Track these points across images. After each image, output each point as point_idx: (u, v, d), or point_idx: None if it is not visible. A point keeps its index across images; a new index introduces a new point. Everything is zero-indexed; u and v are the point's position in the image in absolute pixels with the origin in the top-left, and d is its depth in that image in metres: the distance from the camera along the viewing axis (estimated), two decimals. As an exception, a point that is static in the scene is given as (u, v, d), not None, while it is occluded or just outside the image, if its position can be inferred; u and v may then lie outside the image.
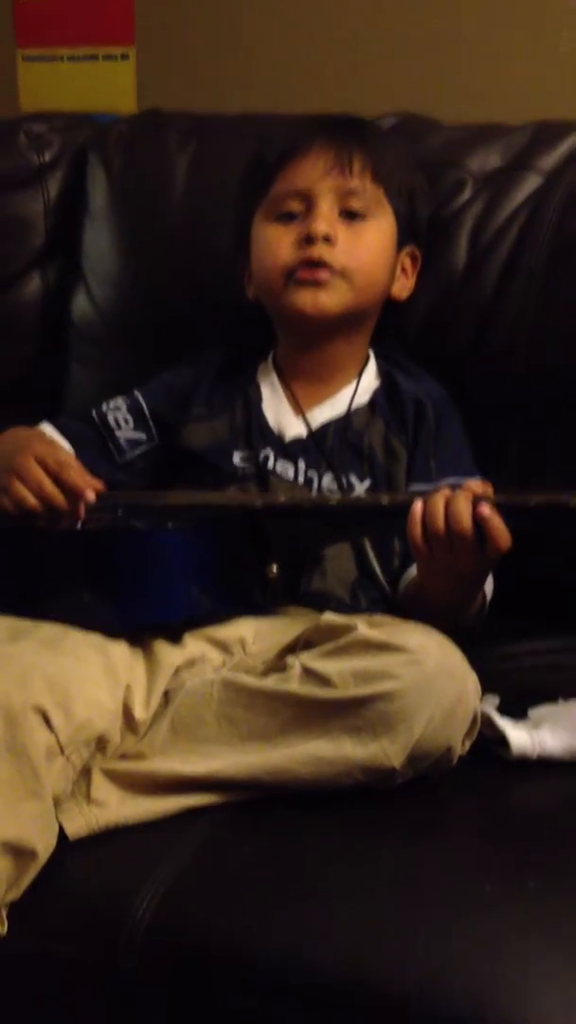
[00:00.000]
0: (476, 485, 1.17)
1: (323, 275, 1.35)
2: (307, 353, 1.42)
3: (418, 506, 1.16)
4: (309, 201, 1.38)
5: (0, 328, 1.73)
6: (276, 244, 1.38)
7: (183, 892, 1.01)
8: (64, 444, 1.39)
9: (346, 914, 0.97)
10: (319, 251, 1.35)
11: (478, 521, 1.14)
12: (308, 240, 1.36)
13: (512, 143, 1.52)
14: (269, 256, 1.39)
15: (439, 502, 1.15)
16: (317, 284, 1.36)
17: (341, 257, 1.36)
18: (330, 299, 1.36)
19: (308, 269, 1.36)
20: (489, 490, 1.17)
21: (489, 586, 1.30)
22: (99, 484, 1.26)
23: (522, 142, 1.51)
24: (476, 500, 1.14)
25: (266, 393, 1.43)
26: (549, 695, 1.22)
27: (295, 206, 1.38)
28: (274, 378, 1.44)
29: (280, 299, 1.39)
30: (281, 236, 1.38)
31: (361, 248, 1.37)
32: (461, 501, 1.14)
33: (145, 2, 2.15)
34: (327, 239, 1.35)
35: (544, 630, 1.41)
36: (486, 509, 1.13)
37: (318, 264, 1.35)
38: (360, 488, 1.35)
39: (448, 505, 1.15)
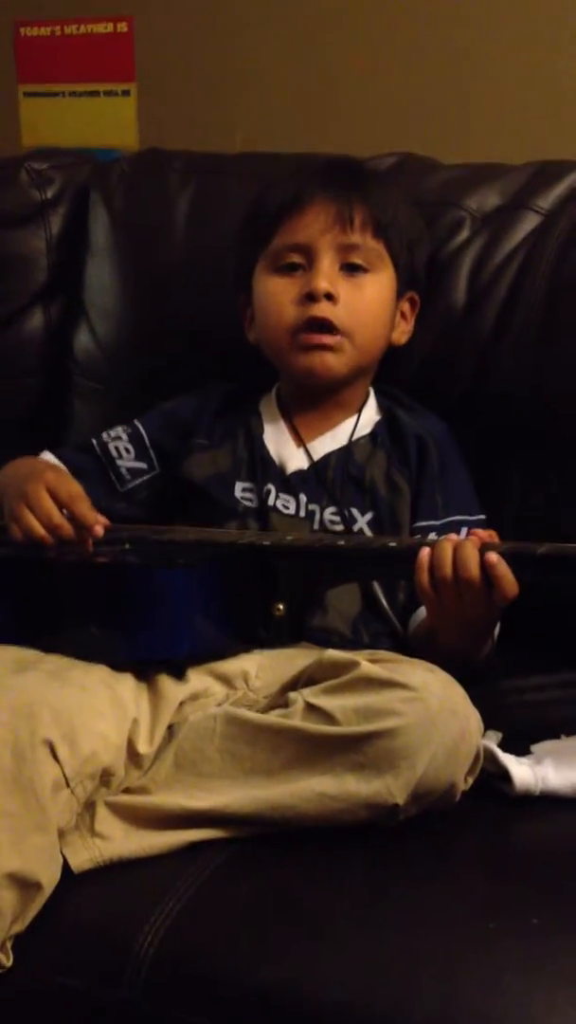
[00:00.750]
0: (483, 533, 1.18)
1: (328, 340, 1.37)
2: (310, 395, 1.43)
3: (425, 553, 1.17)
4: (310, 255, 1.39)
5: (2, 363, 1.74)
6: (279, 300, 1.39)
7: (187, 926, 1.01)
8: None
9: (349, 951, 0.97)
10: (321, 310, 1.36)
11: (485, 569, 1.14)
12: (310, 297, 1.37)
13: (511, 182, 1.53)
14: (273, 312, 1.40)
15: (447, 549, 1.16)
16: (324, 348, 1.37)
17: (343, 315, 1.37)
18: (337, 361, 1.38)
19: (314, 334, 1.37)
20: (495, 538, 1.18)
21: (495, 628, 1.31)
22: (106, 520, 1.27)
23: (521, 181, 1.53)
24: (483, 548, 1.15)
25: (268, 426, 1.44)
26: (552, 731, 1.22)
27: (297, 259, 1.39)
28: (276, 411, 1.45)
29: (286, 359, 1.41)
30: (284, 291, 1.39)
31: (363, 305, 1.38)
32: (468, 548, 1.15)
33: (146, 38, 2.16)
34: (329, 296, 1.37)
35: (547, 665, 1.41)
36: (493, 556, 1.14)
37: (322, 326, 1.36)
38: (362, 521, 1.36)
39: (455, 552, 1.16)
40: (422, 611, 1.31)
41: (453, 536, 1.18)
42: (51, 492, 1.25)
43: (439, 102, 1.89)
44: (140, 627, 1.18)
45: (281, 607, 1.24)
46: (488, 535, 1.18)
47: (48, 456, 1.43)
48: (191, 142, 1.79)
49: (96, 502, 1.36)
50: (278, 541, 1.27)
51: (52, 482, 1.26)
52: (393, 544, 1.26)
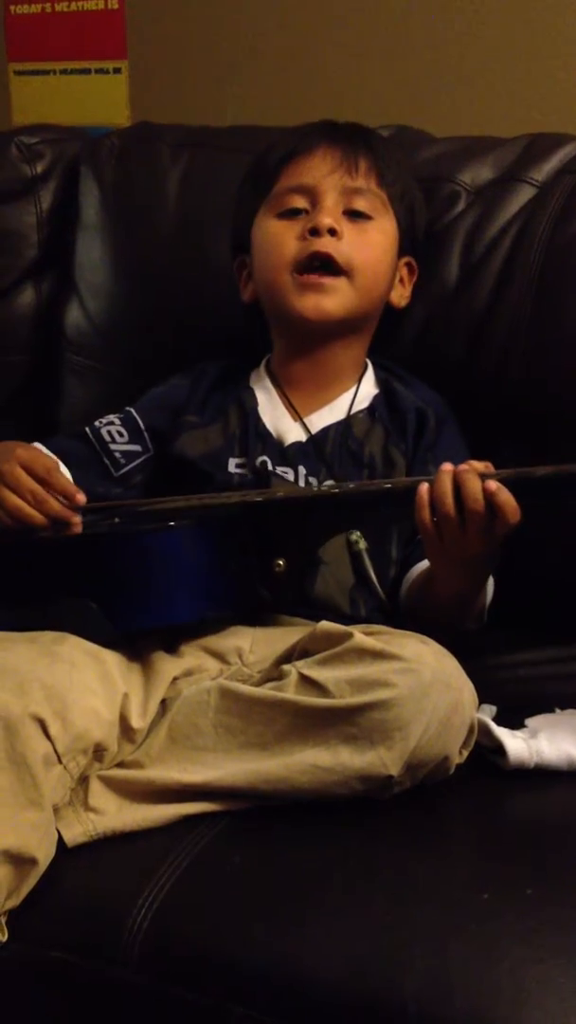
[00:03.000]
0: (478, 464, 1.16)
1: (328, 281, 1.36)
2: (304, 358, 1.42)
3: (425, 488, 1.16)
4: (314, 198, 1.38)
5: (-6, 339, 1.73)
6: (280, 238, 1.38)
7: (180, 900, 1.01)
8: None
9: (344, 924, 0.97)
10: (325, 244, 1.35)
11: (487, 497, 1.14)
12: (313, 232, 1.36)
13: (504, 155, 1.53)
14: (274, 250, 1.39)
15: (447, 482, 1.15)
16: (321, 288, 1.36)
17: (346, 250, 1.36)
18: (333, 303, 1.36)
19: (313, 273, 1.36)
20: (490, 466, 1.17)
21: (489, 590, 1.30)
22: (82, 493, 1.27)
23: (514, 154, 1.52)
24: (482, 476, 1.14)
25: (262, 399, 1.43)
26: (546, 705, 1.22)
27: (300, 202, 1.39)
28: (268, 384, 1.44)
29: (283, 297, 1.39)
30: (286, 230, 1.39)
31: (365, 245, 1.38)
32: (472, 478, 1.14)
33: (137, 15, 2.15)
34: (332, 232, 1.36)
35: (541, 640, 1.41)
36: (493, 484, 1.13)
37: (324, 262, 1.35)
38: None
39: (459, 484, 1.15)
40: (413, 572, 1.31)
41: (448, 466, 1.16)
42: (27, 469, 1.25)
43: (432, 75, 1.88)
44: (137, 597, 1.17)
45: (281, 563, 1.22)
46: (484, 466, 1.16)
47: (40, 448, 1.42)
48: (183, 120, 1.78)
49: (92, 487, 1.36)
50: (270, 496, 1.27)
51: (26, 459, 1.26)
52: (389, 485, 1.25)
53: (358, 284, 1.37)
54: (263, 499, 1.25)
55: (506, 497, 1.13)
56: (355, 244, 1.37)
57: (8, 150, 1.73)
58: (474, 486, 1.14)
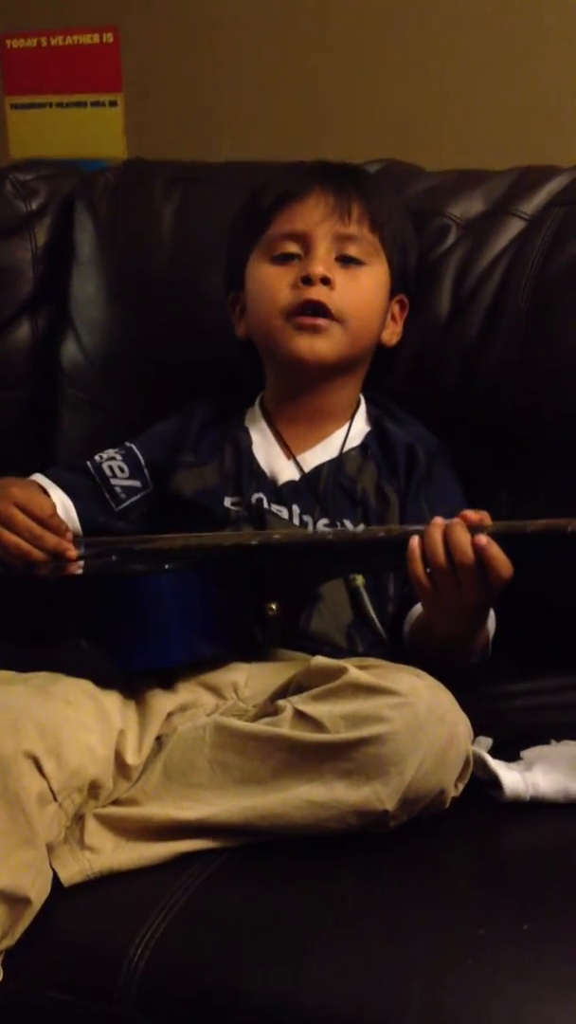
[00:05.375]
0: (472, 514, 1.17)
1: (321, 323, 1.37)
2: (298, 397, 1.43)
3: (415, 542, 1.16)
4: (307, 244, 1.39)
5: (-10, 375, 1.74)
6: (274, 285, 1.39)
7: (177, 939, 1.00)
8: (58, 493, 1.40)
9: (341, 961, 0.97)
10: (317, 293, 1.36)
11: (477, 551, 1.14)
12: (306, 281, 1.37)
13: (494, 188, 1.53)
14: (267, 296, 1.40)
15: (437, 535, 1.15)
16: (315, 330, 1.36)
17: (338, 300, 1.37)
18: (326, 346, 1.37)
19: (307, 316, 1.37)
20: (486, 518, 1.17)
21: (491, 624, 1.31)
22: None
23: (504, 187, 1.53)
24: (473, 530, 1.15)
25: (256, 438, 1.43)
26: (542, 737, 1.22)
27: (293, 248, 1.40)
28: (262, 422, 1.45)
29: (276, 341, 1.40)
30: (279, 277, 1.39)
31: (358, 293, 1.38)
32: (459, 531, 1.14)
33: (132, 48, 2.16)
34: (325, 281, 1.36)
35: (535, 670, 1.40)
36: (483, 539, 1.13)
37: (316, 309, 1.36)
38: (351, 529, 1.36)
39: (447, 537, 1.15)
40: (413, 612, 1.31)
41: (439, 520, 1.17)
42: (22, 508, 1.26)
43: (422, 110, 1.90)
44: (132, 637, 1.17)
45: (274, 606, 1.23)
46: (478, 516, 1.16)
47: (40, 479, 1.43)
48: (178, 152, 1.80)
49: (92, 521, 1.38)
50: (265, 539, 1.27)
51: (22, 500, 1.27)
52: (382, 534, 1.26)
53: (350, 330, 1.38)
54: (258, 542, 1.26)
55: (496, 552, 1.13)
56: (347, 292, 1.37)
57: (3, 187, 1.74)
58: (463, 539, 1.14)
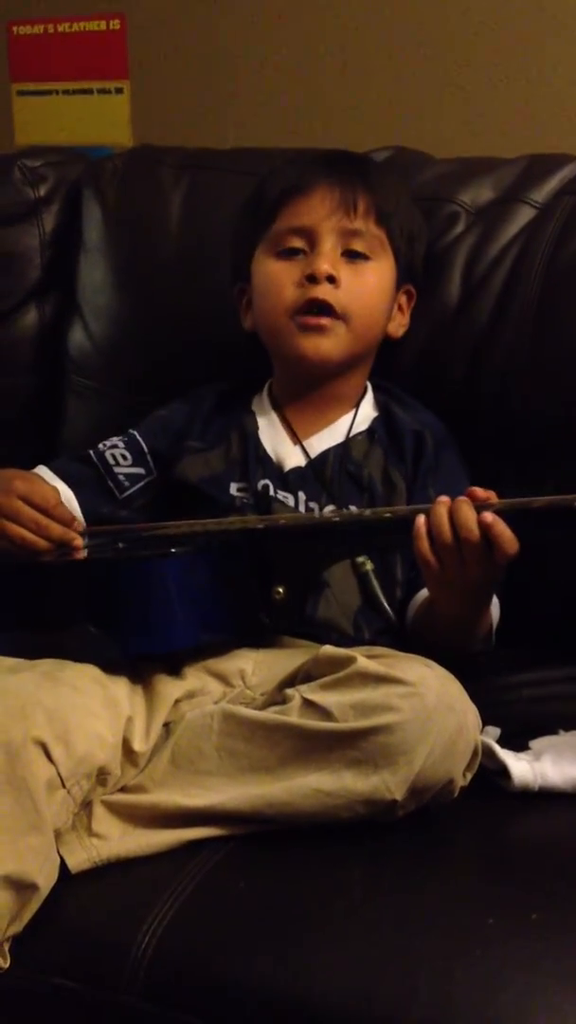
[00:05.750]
0: (479, 491, 1.16)
1: (326, 322, 1.36)
2: (304, 387, 1.43)
3: (421, 520, 1.16)
4: (312, 239, 1.38)
5: (-3, 361, 1.74)
6: (279, 282, 1.39)
7: (185, 925, 1.00)
8: (61, 485, 1.39)
9: (348, 949, 0.97)
10: (323, 291, 1.36)
11: (483, 528, 1.14)
12: (311, 279, 1.36)
13: (505, 176, 1.53)
14: (272, 294, 1.40)
15: (443, 513, 1.15)
16: (320, 330, 1.36)
17: (343, 299, 1.36)
18: (332, 346, 1.37)
19: (312, 316, 1.36)
20: (493, 496, 1.17)
21: (495, 612, 1.30)
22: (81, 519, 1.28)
23: (515, 175, 1.52)
24: (479, 507, 1.15)
25: (262, 423, 1.43)
26: (550, 726, 1.22)
27: (298, 243, 1.39)
28: (269, 408, 1.45)
29: (282, 339, 1.40)
30: (284, 273, 1.39)
31: (363, 290, 1.38)
32: (465, 509, 1.14)
33: (139, 36, 2.16)
34: (330, 279, 1.36)
35: (544, 660, 1.40)
36: (489, 516, 1.13)
37: (321, 308, 1.36)
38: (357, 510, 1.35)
39: (453, 515, 1.15)
40: (419, 597, 1.31)
41: (445, 498, 1.16)
42: (26, 500, 1.25)
43: (431, 97, 1.89)
44: (138, 623, 1.17)
45: (281, 590, 1.22)
46: (485, 494, 1.16)
47: (43, 471, 1.42)
48: (185, 139, 1.79)
49: (95, 510, 1.38)
50: (271, 523, 1.27)
51: (24, 491, 1.26)
52: (388, 515, 1.25)
53: (355, 328, 1.38)
54: (264, 526, 1.26)
55: (501, 529, 1.13)
56: (352, 289, 1.37)
57: (11, 173, 1.73)
58: (468, 517, 1.14)
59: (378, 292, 1.40)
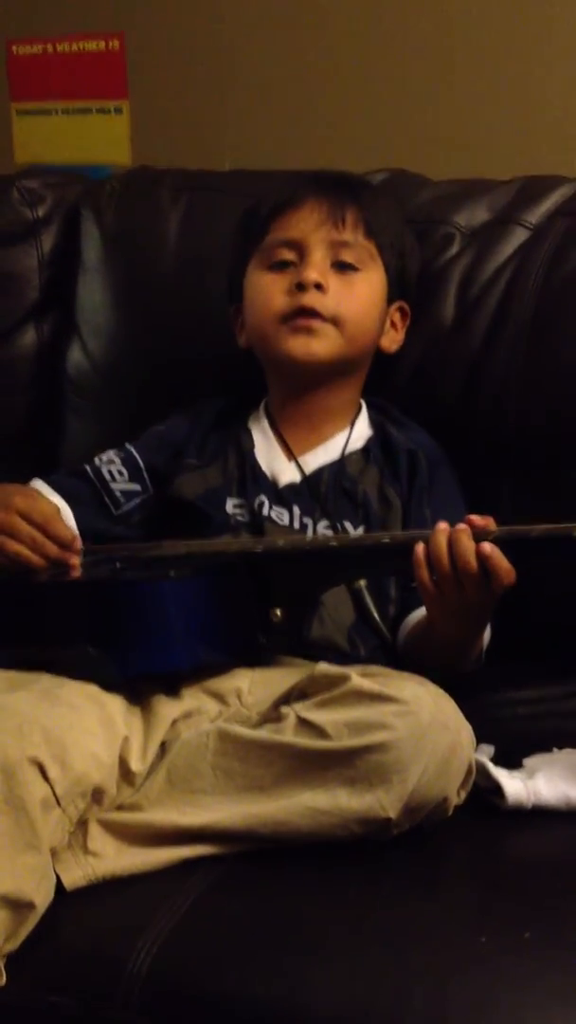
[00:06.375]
0: (477, 519, 1.17)
1: (315, 324, 1.37)
2: (298, 401, 1.44)
3: (420, 548, 1.17)
4: (302, 251, 1.40)
5: (-4, 381, 1.74)
6: (269, 291, 1.40)
7: (180, 943, 1.00)
8: (57, 500, 1.40)
9: (343, 967, 0.97)
10: (310, 299, 1.37)
11: (480, 559, 1.14)
12: (300, 287, 1.38)
13: (499, 198, 1.54)
14: (262, 303, 1.41)
15: (442, 542, 1.16)
16: (309, 331, 1.37)
17: (332, 305, 1.38)
18: (321, 346, 1.38)
19: (301, 317, 1.37)
20: (491, 523, 1.18)
21: (487, 634, 1.31)
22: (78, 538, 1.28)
23: (509, 197, 1.53)
24: (477, 536, 1.15)
25: (258, 440, 1.44)
26: (544, 744, 1.23)
27: (288, 255, 1.41)
28: (265, 425, 1.45)
29: (272, 345, 1.41)
30: (274, 283, 1.40)
31: (352, 298, 1.39)
32: (464, 539, 1.15)
33: (138, 55, 2.16)
34: (318, 287, 1.37)
35: (538, 677, 1.41)
36: (487, 547, 1.14)
37: (310, 312, 1.37)
38: (355, 534, 1.36)
39: (452, 545, 1.16)
40: (413, 617, 1.32)
41: (443, 525, 1.17)
42: (25, 517, 1.26)
43: (428, 120, 1.90)
44: (136, 642, 1.18)
45: (278, 612, 1.23)
46: (483, 522, 1.17)
47: (39, 484, 1.43)
48: (184, 159, 1.80)
49: (91, 526, 1.37)
50: (269, 546, 1.28)
51: (23, 507, 1.27)
52: (386, 540, 1.26)
53: (345, 333, 1.39)
54: (262, 549, 1.26)
55: (499, 561, 1.14)
56: (341, 297, 1.38)
57: (9, 194, 1.74)
58: (467, 548, 1.15)
59: (368, 301, 1.42)
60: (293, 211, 1.41)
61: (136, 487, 1.44)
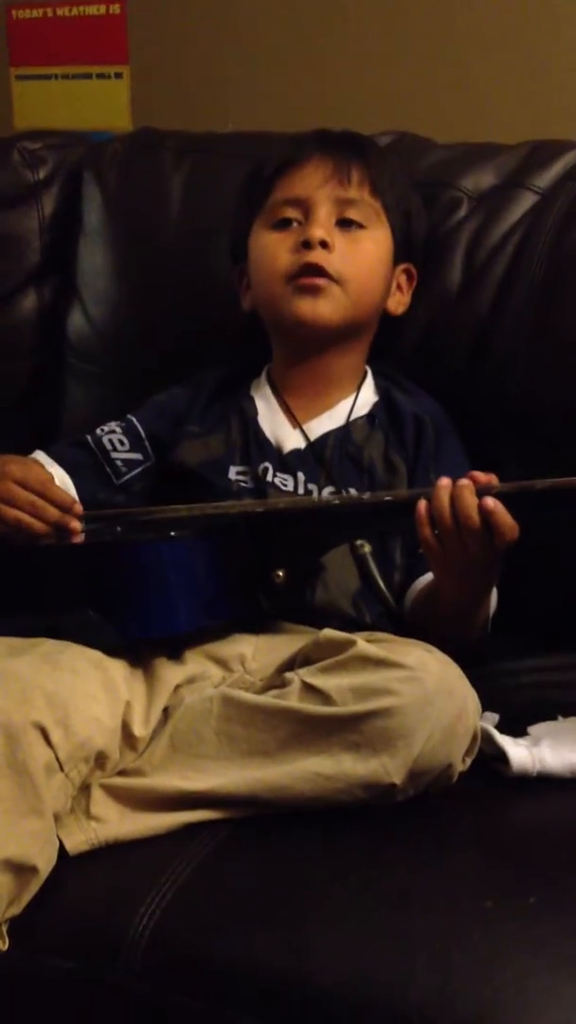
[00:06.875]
0: (480, 475, 1.17)
1: (321, 282, 1.36)
2: (302, 365, 1.43)
3: (423, 505, 1.16)
4: (307, 209, 1.39)
5: (-4, 345, 1.73)
6: (274, 250, 1.39)
7: (183, 908, 1.00)
8: (58, 471, 1.39)
9: (346, 932, 0.97)
10: (316, 256, 1.36)
11: (483, 514, 1.14)
12: (305, 245, 1.37)
13: (507, 162, 1.53)
14: (267, 262, 1.40)
15: (444, 498, 1.15)
16: (315, 292, 1.36)
17: (337, 263, 1.37)
18: (328, 307, 1.37)
19: (307, 277, 1.36)
20: (494, 479, 1.17)
21: (493, 601, 1.31)
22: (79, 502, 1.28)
23: (517, 161, 1.52)
24: (481, 492, 1.15)
25: (261, 407, 1.43)
26: (549, 712, 1.22)
27: (293, 214, 1.40)
28: (268, 392, 1.45)
29: (279, 306, 1.40)
30: (279, 242, 1.40)
31: (358, 256, 1.38)
32: (466, 494, 1.15)
33: (138, 20, 2.15)
34: (324, 245, 1.36)
35: (544, 647, 1.40)
36: (490, 502, 1.13)
37: (316, 271, 1.36)
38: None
39: (455, 500, 1.15)
40: (418, 583, 1.31)
41: (446, 481, 1.17)
42: (21, 484, 1.25)
43: (434, 82, 1.89)
44: (138, 606, 1.17)
45: (281, 574, 1.22)
46: (487, 478, 1.17)
47: (41, 456, 1.42)
48: (184, 124, 1.79)
49: (93, 495, 1.37)
50: (271, 507, 1.27)
51: (19, 474, 1.26)
52: (389, 498, 1.26)
53: (351, 292, 1.38)
54: (264, 509, 1.26)
55: (502, 516, 1.13)
56: (347, 255, 1.37)
57: (10, 155, 1.73)
58: (469, 503, 1.14)
59: (374, 259, 1.40)
60: (297, 169, 1.40)
61: (137, 456, 1.43)
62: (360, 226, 1.40)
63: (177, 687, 1.17)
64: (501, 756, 1.15)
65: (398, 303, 1.46)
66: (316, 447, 1.39)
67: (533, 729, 1.19)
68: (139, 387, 1.52)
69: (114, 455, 1.43)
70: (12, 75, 2.32)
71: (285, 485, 1.36)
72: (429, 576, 1.28)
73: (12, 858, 1.00)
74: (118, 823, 1.08)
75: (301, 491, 1.36)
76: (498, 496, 1.14)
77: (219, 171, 1.62)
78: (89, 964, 1.00)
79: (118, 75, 2.22)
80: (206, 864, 1.04)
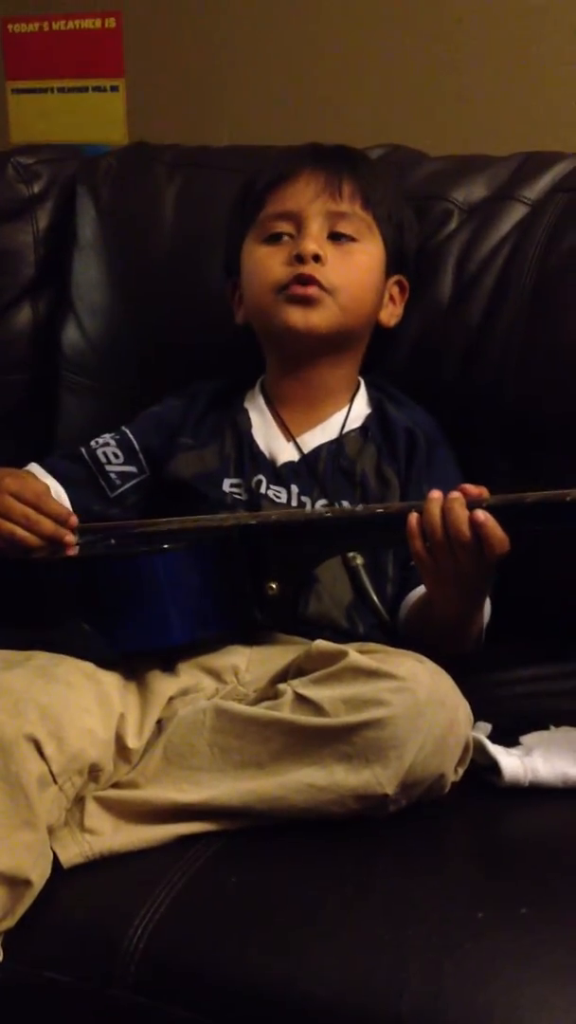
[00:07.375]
0: (471, 488, 1.17)
1: (313, 291, 1.37)
2: (295, 377, 1.43)
3: (414, 518, 1.16)
4: (299, 223, 1.40)
5: (-10, 359, 1.74)
6: (266, 263, 1.40)
7: (177, 920, 1.01)
8: (52, 483, 1.39)
9: (339, 943, 0.97)
10: (309, 268, 1.37)
11: (474, 527, 1.14)
12: (298, 259, 1.37)
13: (497, 174, 1.53)
14: (260, 275, 1.40)
15: (435, 511, 1.16)
16: (307, 301, 1.37)
17: (330, 275, 1.37)
18: (320, 317, 1.37)
19: (298, 286, 1.37)
20: (484, 492, 1.17)
21: (486, 612, 1.31)
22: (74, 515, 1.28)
23: (507, 173, 1.53)
24: (471, 504, 1.15)
25: (255, 419, 1.44)
26: (541, 722, 1.23)
27: (285, 228, 1.40)
28: (262, 404, 1.45)
29: (270, 316, 1.40)
30: (271, 256, 1.40)
31: (350, 268, 1.39)
32: (457, 508, 1.15)
33: (134, 34, 2.16)
34: (317, 258, 1.37)
35: (535, 656, 1.41)
36: (480, 515, 1.14)
37: (307, 280, 1.37)
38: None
39: (445, 513, 1.15)
40: (412, 596, 1.31)
41: (437, 494, 1.17)
42: (16, 497, 1.26)
43: (425, 94, 1.89)
44: (132, 619, 1.18)
45: (274, 586, 1.22)
46: (478, 491, 1.17)
47: (35, 468, 1.43)
48: (180, 138, 1.79)
49: (87, 508, 1.37)
50: (264, 519, 1.27)
51: (14, 487, 1.27)
52: (381, 511, 1.26)
53: (342, 302, 1.38)
54: (257, 522, 1.26)
55: (492, 529, 1.13)
56: (339, 268, 1.38)
57: (5, 170, 1.74)
58: (460, 516, 1.14)
59: (366, 271, 1.41)
60: (289, 183, 1.41)
61: (132, 469, 1.43)
62: (352, 239, 1.40)
63: (171, 699, 1.17)
64: (493, 766, 1.15)
65: (391, 315, 1.47)
66: (309, 460, 1.39)
67: (525, 739, 1.19)
68: (133, 400, 1.53)
69: (108, 468, 1.43)
70: (8, 89, 2.32)
71: (279, 498, 1.37)
72: (422, 589, 1.28)
73: (6, 871, 1.00)
74: (112, 835, 1.08)
75: (294, 504, 1.36)
76: (489, 509, 1.14)
77: (212, 185, 1.62)
78: (84, 977, 1.00)
79: (114, 88, 2.23)
80: (200, 876, 1.05)
